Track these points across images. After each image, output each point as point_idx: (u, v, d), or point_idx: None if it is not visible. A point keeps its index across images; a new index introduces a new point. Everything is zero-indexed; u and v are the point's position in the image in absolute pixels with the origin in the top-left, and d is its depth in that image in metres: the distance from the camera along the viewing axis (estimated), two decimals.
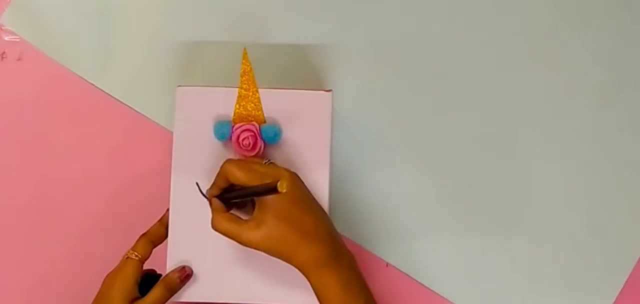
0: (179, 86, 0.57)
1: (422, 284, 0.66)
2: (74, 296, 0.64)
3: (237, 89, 0.56)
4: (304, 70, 0.68)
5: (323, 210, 0.53)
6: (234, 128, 0.55)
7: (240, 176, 0.50)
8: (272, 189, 0.44)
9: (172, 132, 0.66)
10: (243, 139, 0.55)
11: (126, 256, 0.54)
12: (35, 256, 0.65)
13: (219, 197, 0.53)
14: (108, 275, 0.54)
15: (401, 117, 0.68)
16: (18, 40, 0.69)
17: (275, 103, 0.56)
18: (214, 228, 0.51)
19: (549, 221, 0.67)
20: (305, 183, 0.53)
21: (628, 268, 0.66)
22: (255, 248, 0.50)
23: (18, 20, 0.69)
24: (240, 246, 0.51)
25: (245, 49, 0.55)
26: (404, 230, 0.66)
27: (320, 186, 0.56)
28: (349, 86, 0.68)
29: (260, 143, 0.55)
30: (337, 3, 0.69)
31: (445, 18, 0.70)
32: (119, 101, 0.68)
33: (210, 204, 0.53)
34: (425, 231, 0.66)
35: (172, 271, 0.54)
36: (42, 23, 0.69)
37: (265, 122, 0.56)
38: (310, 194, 0.52)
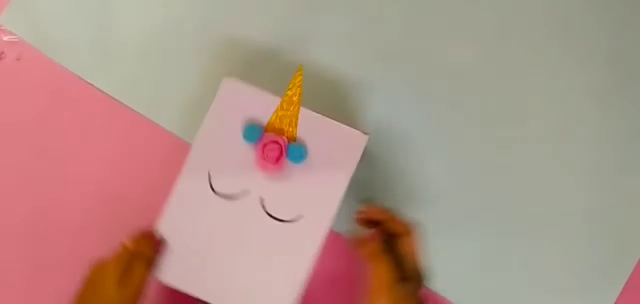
0: (226, 78, 0.56)
1: None
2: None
3: (279, 99, 0.55)
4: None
5: None
6: (263, 136, 0.55)
7: None
8: None
9: (171, 133, 0.67)
10: (268, 151, 0.54)
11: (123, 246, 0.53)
12: (35, 257, 0.65)
13: None
14: (98, 263, 0.54)
15: (400, 118, 0.68)
16: (17, 40, 0.69)
17: (311, 124, 0.56)
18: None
19: (549, 221, 0.67)
20: (305, 219, 0.52)
21: (628, 268, 0.66)
22: None
23: (17, 21, 0.69)
24: (229, 246, 0.53)
25: (301, 66, 0.54)
26: None
27: (319, 226, 0.55)
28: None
29: (284, 159, 0.54)
30: None
31: (445, 19, 0.70)
32: (119, 101, 0.68)
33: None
34: (425, 231, 0.66)
35: (144, 247, 0.54)
36: (42, 23, 0.69)
37: (295, 140, 0.55)
38: None
